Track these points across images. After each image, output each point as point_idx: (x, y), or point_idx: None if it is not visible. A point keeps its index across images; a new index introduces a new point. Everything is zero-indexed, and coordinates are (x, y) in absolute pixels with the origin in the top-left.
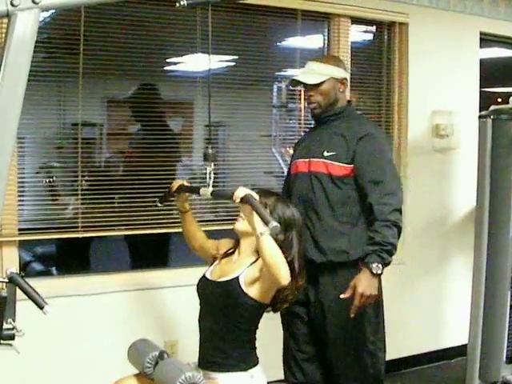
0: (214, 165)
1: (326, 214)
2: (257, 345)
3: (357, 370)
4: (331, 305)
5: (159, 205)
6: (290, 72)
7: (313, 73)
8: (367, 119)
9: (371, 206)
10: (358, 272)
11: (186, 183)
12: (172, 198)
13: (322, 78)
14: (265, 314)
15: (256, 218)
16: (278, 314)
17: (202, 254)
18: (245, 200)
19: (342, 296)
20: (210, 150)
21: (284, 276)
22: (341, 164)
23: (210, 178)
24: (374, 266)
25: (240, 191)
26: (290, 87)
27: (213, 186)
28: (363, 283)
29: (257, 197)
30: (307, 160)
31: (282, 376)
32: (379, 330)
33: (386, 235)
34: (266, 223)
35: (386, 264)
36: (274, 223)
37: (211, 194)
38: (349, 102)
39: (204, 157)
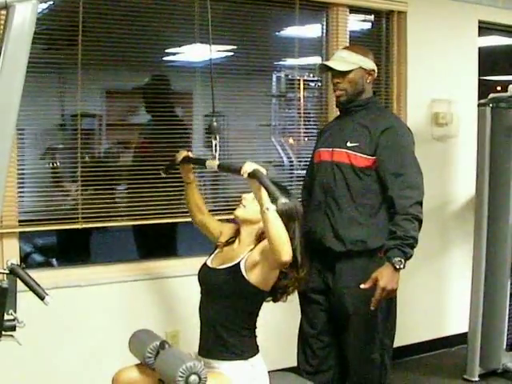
0: (220, 138)
1: (347, 203)
2: (262, 333)
3: (366, 356)
4: (348, 292)
5: (164, 175)
6: (288, 62)
7: (342, 60)
8: (392, 112)
9: (392, 199)
10: (376, 261)
11: (190, 154)
12: (177, 167)
13: (351, 66)
14: (277, 304)
15: (263, 194)
16: (292, 302)
17: (204, 230)
18: (253, 175)
19: (361, 286)
20: (215, 123)
21: (286, 252)
22: (363, 155)
23: (215, 150)
24: (397, 260)
25: (248, 166)
26: (289, 77)
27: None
28: (385, 277)
29: (265, 171)
30: (330, 149)
31: (290, 363)
32: (389, 317)
33: (408, 229)
34: (276, 199)
35: (407, 258)
36: (284, 199)
37: (218, 167)
38: (374, 93)
39: (209, 129)
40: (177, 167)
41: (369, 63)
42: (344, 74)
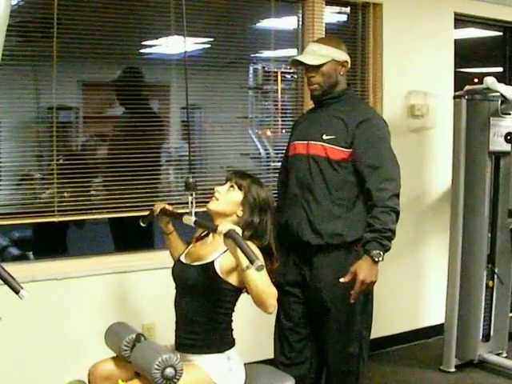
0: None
1: (323, 196)
2: (239, 326)
3: (343, 349)
4: (325, 285)
5: (142, 224)
6: (264, 54)
7: (314, 54)
8: (367, 104)
9: (369, 191)
10: (354, 254)
11: (167, 207)
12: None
13: (323, 60)
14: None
15: (240, 253)
16: None
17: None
18: (228, 235)
19: (341, 280)
20: (190, 180)
21: (270, 305)
22: (339, 148)
23: (192, 206)
24: (375, 253)
25: (224, 226)
26: (266, 69)
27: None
28: (364, 270)
29: (240, 231)
30: (306, 142)
31: (267, 355)
32: (366, 309)
33: (386, 221)
34: (251, 262)
35: (386, 250)
36: (259, 262)
37: (194, 223)
38: (348, 85)
39: (185, 186)
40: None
41: (341, 54)
42: (317, 67)
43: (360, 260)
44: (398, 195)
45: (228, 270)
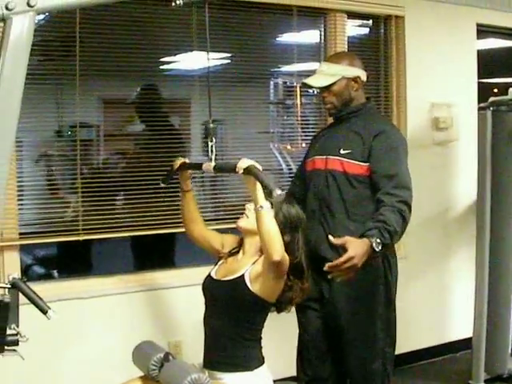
0: (218, 145)
1: (340, 212)
2: (264, 343)
3: (366, 366)
4: (344, 301)
5: (163, 185)
6: (286, 68)
7: (322, 74)
8: (385, 117)
9: (380, 196)
10: (372, 271)
11: (187, 160)
12: (175, 176)
13: (331, 80)
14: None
15: (258, 191)
16: (291, 313)
17: (202, 243)
18: (248, 170)
19: (330, 237)
20: (211, 125)
21: (277, 250)
22: (356, 162)
23: (212, 152)
24: (376, 240)
25: (243, 162)
26: (287, 83)
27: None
28: (357, 249)
29: (260, 167)
30: (324, 157)
31: (292, 373)
32: (390, 326)
33: (390, 218)
34: (271, 192)
35: (384, 245)
36: (279, 191)
37: (214, 168)
38: (368, 99)
39: (205, 131)
40: (175, 176)
41: (352, 70)
42: (328, 87)
43: (358, 239)
44: (409, 205)
45: (255, 276)
